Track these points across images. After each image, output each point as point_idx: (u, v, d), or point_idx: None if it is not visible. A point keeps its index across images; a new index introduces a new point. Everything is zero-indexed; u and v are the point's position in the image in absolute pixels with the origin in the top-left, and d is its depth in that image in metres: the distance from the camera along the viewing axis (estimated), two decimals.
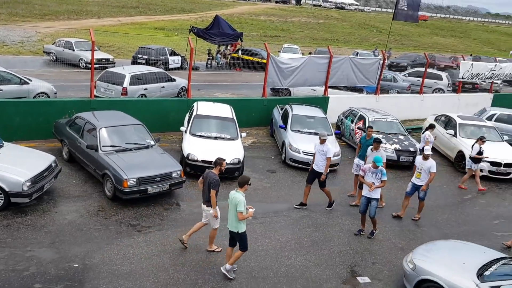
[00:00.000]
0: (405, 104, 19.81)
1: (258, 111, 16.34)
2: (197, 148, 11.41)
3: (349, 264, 8.40)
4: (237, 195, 7.24)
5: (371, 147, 10.40)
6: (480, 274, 6.80)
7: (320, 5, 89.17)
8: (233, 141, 12.07)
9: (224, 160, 7.99)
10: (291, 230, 9.37)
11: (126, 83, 15.60)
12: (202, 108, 13.01)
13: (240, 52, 28.89)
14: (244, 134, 12.77)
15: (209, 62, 28.48)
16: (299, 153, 12.66)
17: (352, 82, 18.48)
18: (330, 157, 10.14)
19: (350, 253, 8.78)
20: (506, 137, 15.52)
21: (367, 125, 14.66)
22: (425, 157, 10.19)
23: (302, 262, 8.26)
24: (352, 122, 15.68)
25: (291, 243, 8.83)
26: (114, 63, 22.69)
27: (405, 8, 20.20)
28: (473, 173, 12.80)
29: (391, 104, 19.01)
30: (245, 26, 50.48)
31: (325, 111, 15.92)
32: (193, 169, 11.08)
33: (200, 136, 11.97)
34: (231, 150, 11.56)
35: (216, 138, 12.04)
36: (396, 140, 14.11)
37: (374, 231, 9.50)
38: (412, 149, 13.84)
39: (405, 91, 22.46)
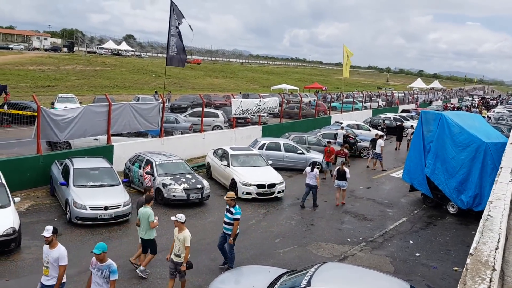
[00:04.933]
0: (189, 143, 20.84)
1: (33, 170, 14.80)
2: None
3: None
4: (147, 210, 9.38)
5: None
6: None
7: (95, 52, 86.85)
8: (4, 209, 10.54)
9: None
10: None
11: None
12: None
13: (6, 106, 25.80)
14: (18, 199, 11.36)
15: None
16: (86, 209, 11.86)
17: (135, 128, 18.47)
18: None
19: None
20: (270, 162, 17.66)
21: (154, 169, 14.85)
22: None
23: None
24: (139, 167, 15.61)
25: None
26: None
27: (175, 54, 21.42)
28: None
29: (176, 145, 19.74)
30: (10, 78, 45.84)
31: (110, 161, 15.43)
32: None
33: None
34: (2, 220, 10.10)
35: None
36: (184, 180, 14.59)
37: None
38: (199, 186, 14.51)
39: (188, 131, 23.62)
